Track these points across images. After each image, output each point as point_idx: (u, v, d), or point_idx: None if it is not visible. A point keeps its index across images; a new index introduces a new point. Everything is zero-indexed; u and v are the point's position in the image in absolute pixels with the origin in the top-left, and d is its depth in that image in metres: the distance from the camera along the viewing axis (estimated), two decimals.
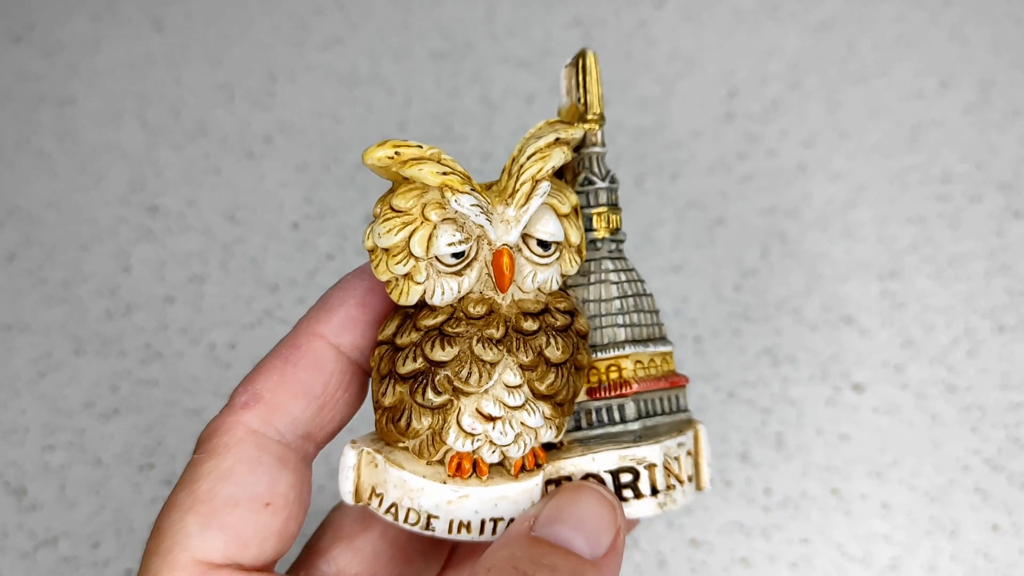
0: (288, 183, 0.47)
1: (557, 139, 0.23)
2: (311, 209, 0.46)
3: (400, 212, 0.23)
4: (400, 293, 0.23)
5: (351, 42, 0.51)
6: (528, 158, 0.23)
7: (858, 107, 0.48)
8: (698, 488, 0.25)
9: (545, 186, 0.23)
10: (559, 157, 0.23)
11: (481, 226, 0.23)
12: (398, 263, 0.23)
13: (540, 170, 0.23)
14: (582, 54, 0.25)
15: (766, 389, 0.40)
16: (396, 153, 0.22)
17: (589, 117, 0.24)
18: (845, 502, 0.38)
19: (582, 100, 0.25)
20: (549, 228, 0.23)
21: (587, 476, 0.23)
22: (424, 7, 0.52)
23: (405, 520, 0.23)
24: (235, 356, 0.42)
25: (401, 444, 0.24)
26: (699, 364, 0.41)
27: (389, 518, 0.24)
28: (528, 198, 0.23)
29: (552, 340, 0.23)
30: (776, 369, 0.41)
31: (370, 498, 0.24)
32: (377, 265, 0.23)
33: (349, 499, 0.24)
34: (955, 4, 0.51)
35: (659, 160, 0.47)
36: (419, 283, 0.23)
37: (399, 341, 0.23)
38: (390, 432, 0.24)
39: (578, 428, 0.24)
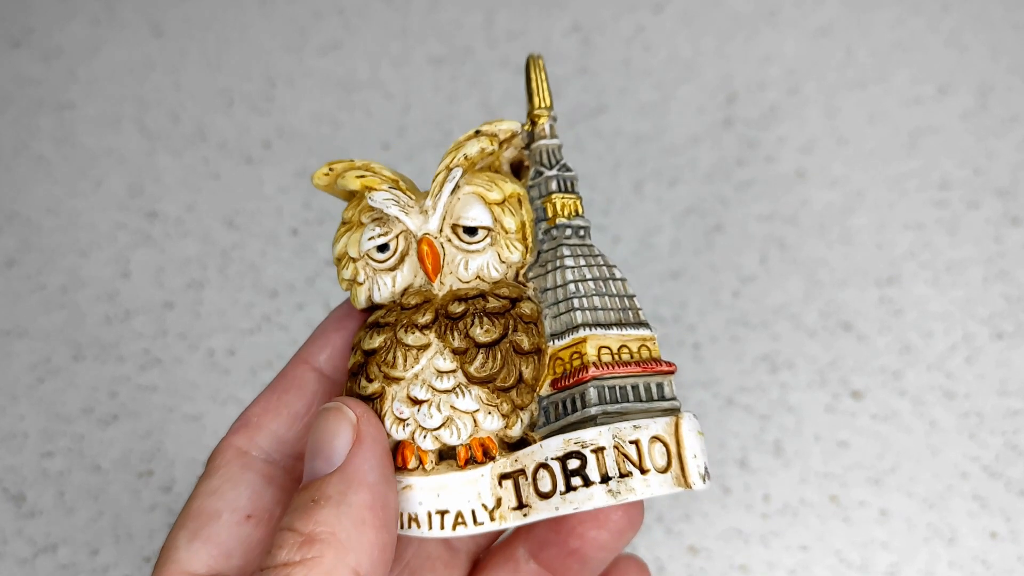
0: (287, 188, 0.47)
1: (476, 132, 0.24)
2: (310, 215, 0.46)
3: (345, 223, 0.25)
4: (352, 297, 0.25)
5: (350, 47, 0.51)
6: (447, 152, 0.24)
7: (856, 113, 0.48)
8: (684, 485, 0.23)
9: (457, 172, 0.24)
10: (475, 146, 0.24)
11: (397, 217, 0.24)
12: (344, 268, 0.25)
13: (453, 158, 0.24)
14: (527, 61, 0.26)
15: (764, 395, 0.41)
16: (330, 170, 0.24)
17: (536, 112, 0.25)
18: (843, 509, 0.38)
19: (527, 96, 0.26)
20: (472, 213, 0.24)
21: (538, 468, 0.23)
22: (423, 12, 0.52)
23: None
24: (234, 362, 0.42)
25: None
26: (697, 370, 0.41)
27: None
28: (441, 185, 0.24)
29: (478, 320, 0.23)
30: (774, 375, 0.41)
31: None
32: (338, 276, 0.25)
33: None
34: (953, 10, 0.51)
35: (657, 166, 0.47)
36: (361, 283, 0.25)
37: (353, 341, 0.25)
38: None
39: (548, 422, 0.24)
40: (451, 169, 0.24)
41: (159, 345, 0.42)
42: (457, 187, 0.24)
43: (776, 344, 0.42)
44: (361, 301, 0.25)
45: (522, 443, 0.24)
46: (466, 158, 0.24)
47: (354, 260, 0.25)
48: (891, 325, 0.42)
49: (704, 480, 0.23)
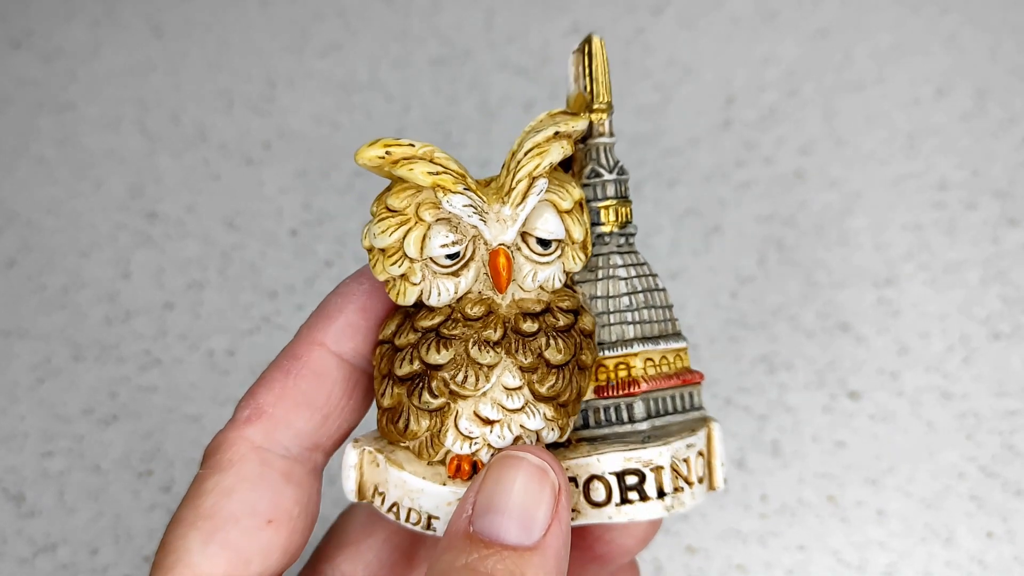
0: (287, 189, 0.47)
1: (556, 133, 0.22)
2: (310, 215, 0.46)
3: (395, 212, 0.22)
4: (398, 293, 0.23)
5: (350, 49, 0.51)
6: (525, 154, 0.22)
7: (855, 114, 0.48)
8: (711, 488, 0.24)
9: (542, 183, 0.22)
10: (558, 152, 0.22)
11: (475, 226, 0.22)
12: (393, 264, 0.23)
13: (537, 167, 0.22)
14: (588, 39, 0.24)
15: (763, 396, 0.41)
16: (387, 152, 0.22)
17: (596, 106, 0.23)
18: (841, 509, 0.38)
19: (588, 88, 0.23)
20: (549, 226, 0.22)
21: (591, 478, 0.23)
22: (423, 14, 0.52)
23: (407, 520, 0.23)
24: (234, 363, 0.42)
25: (403, 444, 0.23)
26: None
27: (391, 517, 0.24)
28: (524, 196, 0.22)
29: (552, 341, 0.22)
30: (773, 376, 0.41)
31: (373, 496, 0.24)
32: (375, 265, 0.23)
33: (352, 497, 0.24)
34: (952, 12, 0.51)
35: (657, 167, 0.47)
36: (415, 284, 0.23)
37: (398, 342, 0.23)
38: (391, 432, 0.24)
39: (585, 426, 0.24)
40: (535, 179, 0.22)
41: (159, 346, 0.43)
42: None
43: (774, 345, 0.42)
44: (410, 300, 0.23)
45: (556, 444, 0.24)
46: (550, 165, 0.22)
47: (411, 259, 0.22)
48: (889, 326, 0.42)
49: (725, 482, 0.24)
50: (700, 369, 0.41)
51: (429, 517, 0.23)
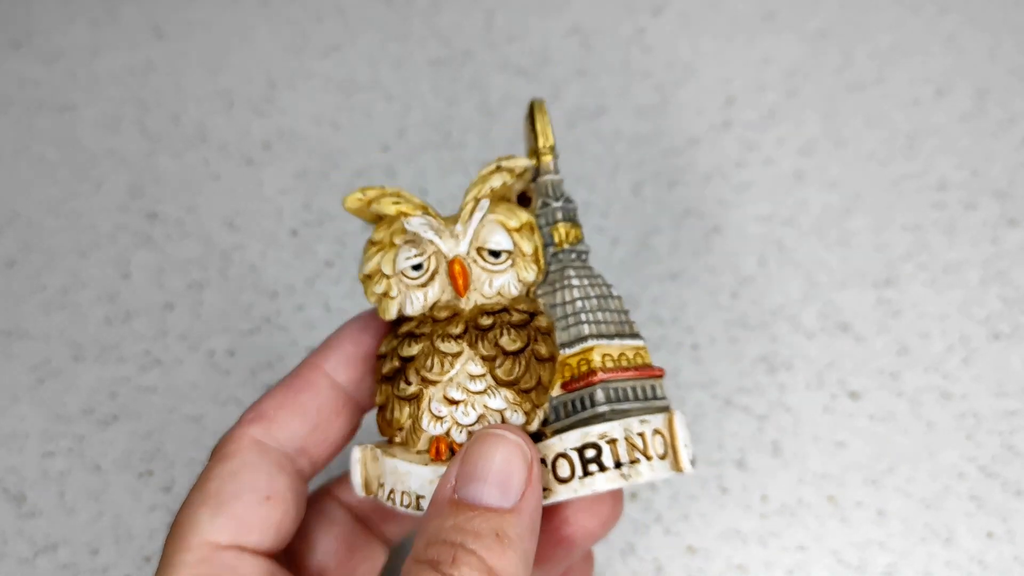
0: (287, 190, 0.47)
1: (498, 166, 0.27)
2: (310, 216, 0.46)
3: (375, 244, 0.28)
4: (383, 310, 0.28)
5: (350, 49, 0.51)
6: (472, 184, 0.27)
7: (854, 115, 0.48)
8: (677, 469, 0.26)
9: (485, 203, 0.27)
10: (499, 180, 0.27)
11: (432, 240, 0.27)
12: (376, 284, 0.28)
13: (479, 190, 0.27)
14: (531, 105, 0.29)
15: (763, 396, 0.41)
16: (363, 195, 0.27)
17: (540, 149, 0.29)
18: (841, 509, 0.38)
19: (534, 137, 0.29)
20: (495, 238, 0.27)
21: (557, 456, 0.26)
22: (423, 15, 0.52)
23: (401, 503, 0.27)
24: (234, 363, 0.42)
25: (396, 439, 0.28)
26: (696, 371, 0.41)
27: (389, 504, 0.27)
28: (471, 213, 0.27)
29: (507, 332, 0.26)
30: (773, 376, 0.41)
31: (376, 489, 0.28)
32: (366, 290, 0.28)
33: (360, 491, 0.28)
34: (951, 12, 0.51)
35: (657, 168, 0.47)
36: (394, 298, 0.28)
37: (382, 349, 0.28)
38: (383, 427, 0.28)
39: (558, 419, 0.27)
40: (479, 200, 0.27)
41: (159, 346, 0.43)
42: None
43: (774, 345, 0.42)
44: (392, 313, 0.28)
45: (537, 437, 0.27)
46: (492, 190, 0.27)
47: (387, 276, 0.28)
48: (889, 326, 0.42)
49: (692, 465, 0.27)
50: (701, 369, 0.41)
51: (417, 497, 0.26)
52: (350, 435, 0.30)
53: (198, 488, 0.27)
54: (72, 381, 0.42)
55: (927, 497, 0.38)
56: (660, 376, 0.28)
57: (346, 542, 0.31)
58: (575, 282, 0.28)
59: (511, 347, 0.26)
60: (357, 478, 0.28)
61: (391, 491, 0.27)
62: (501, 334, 0.27)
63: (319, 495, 0.32)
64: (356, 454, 0.28)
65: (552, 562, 0.29)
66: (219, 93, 0.50)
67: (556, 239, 0.28)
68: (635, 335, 0.28)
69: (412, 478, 0.26)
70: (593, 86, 0.50)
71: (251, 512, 0.27)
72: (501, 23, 0.52)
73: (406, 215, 0.27)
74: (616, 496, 0.29)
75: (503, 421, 0.27)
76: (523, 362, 0.27)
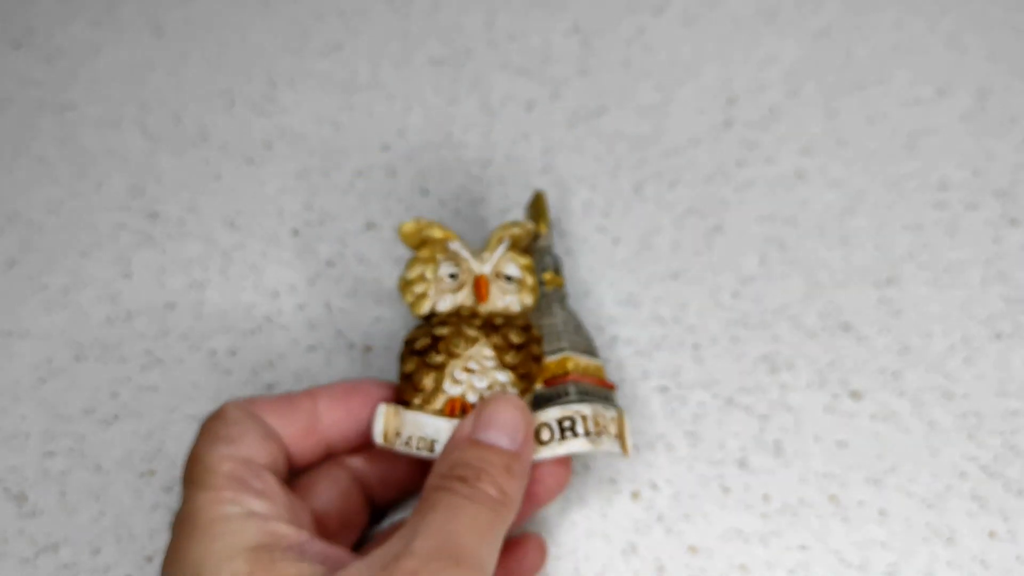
0: (288, 189, 0.47)
1: (514, 223, 0.38)
2: (311, 215, 0.46)
3: (419, 259, 0.37)
4: (419, 306, 0.36)
5: (351, 48, 0.51)
6: (498, 228, 0.38)
7: (856, 114, 0.48)
8: (624, 451, 0.35)
9: (505, 242, 0.37)
10: (517, 230, 0.38)
11: (466, 259, 0.36)
12: (416, 286, 0.36)
13: (500, 236, 0.37)
14: (535, 195, 0.42)
15: (764, 396, 0.41)
16: (417, 223, 0.37)
17: (540, 229, 0.40)
18: (843, 509, 0.38)
19: (536, 222, 0.40)
20: (510, 268, 0.37)
21: (540, 425, 0.34)
22: (423, 13, 0.52)
23: (417, 447, 0.34)
24: (235, 362, 0.42)
25: (415, 401, 0.35)
26: (697, 370, 0.41)
27: (405, 448, 0.34)
28: (495, 247, 0.37)
29: (512, 331, 0.35)
30: (774, 376, 0.41)
31: (393, 438, 0.34)
32: (404, 292, 0.37)
33: (379, 439, 0.34)
34: (952, 12, 0.51)
35: (658, 167, 0.47)
36: (429, 297, 0.36)
37: (413, 335, 0.36)
38: (407, 391, 0.35)
39: (539, 405, 0.35)
40: (502, 239, 0.37)
41: (160, 345, 0.43)
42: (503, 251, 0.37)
43: (776, 345, 0.42)
44: (425, 309, 0.36)
45: None
46: (511, 237, 0.37)
47: (427, 281, 0.36)
48: (890, 326, 0.42)
49: (635, 450, 0.38)
50: (702, 369, 0.41)
51: (432, 442, 0.34)
52: (315, 461, 0.35)
53: (207, 435, 0.31)
54: (73, 380, 0.42)
55: (929, 497, 0.38)
56: (613, 388, 0.37)
57: (345, 496, 0.35)
58: (557, 312, 0.38)
59: (516, 341, 0.35)
60: (379, 427, 0.34)
61: (408, 437, 0.34)
62: (509, 331, 0.35)
63: (326, 459, 0.36)
64: (381, 408, 0.34)
65: (521, 514, 0.35)
66: (220, 92, 0.50)
67: (545, 281, 0.39)
68: (597, 356, 0.38)
69: (429, 427, 0.34)
70: (594, 85, 0.50)
71: (259, 445, 0.32)
72: (502, 22, 0.52)
73: (450, 239, 0.37)
74: (567, 465, 0.36)
75: (505, 392, 0.35)
76: (524, 354, 0.35)
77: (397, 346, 0.42)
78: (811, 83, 0.49)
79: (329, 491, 0.35)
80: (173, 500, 0.39)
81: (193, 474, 0.31)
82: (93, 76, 0.51)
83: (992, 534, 0.37)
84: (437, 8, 0.53)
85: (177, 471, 0.39)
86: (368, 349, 0.42)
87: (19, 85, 0.50)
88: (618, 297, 0.43)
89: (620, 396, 0.41)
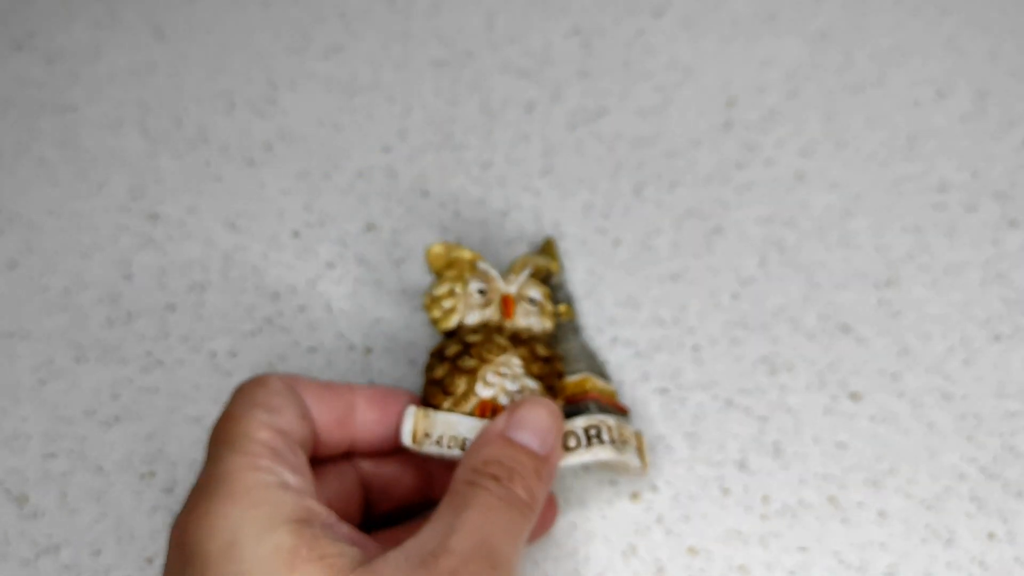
0: (288, 191, 0.47)
1: (535, 256, 0.41)
2: (311, 217, 0.46)
3: (447, 278, 0.39)
4: (445, 321, 0.38)
5: (351, 50, 0.52)
6: (522, 256, 0.41)
7: (855, 116, 0.48)
8: (643, 464, 0.36)
9: (528, 270, 0.39)
10: (540, 261, 0.41)
11: (493, 278, 0.38)
12: (444, 301, 0.38)
13: (525, 263, 0.40)
14: (546, 240, 0.44)
15: (763, 397, 0.41)
16: (444, 246, 0.40)
17: (552, 268, 0.42)
18: (842, 510, 0.38)
19: (549, 260, 0.42)
20: (533, 291, 0.39)
21: (568, 432, 0.35)
22: (424, 16, 0.53)
23: (448, 446, 0.34)
24: (236, 364, 0.42)
25: (444, 405, 0.35)
26: (697, 372, 0.41)
27: (435, 448, 0.34)
28: (520, 272, 0.39)
29: (539, 343, 0.37)
30: (774, 377, 0.41)
31: (423, 439, 0.34)
32: (431, 309, 0.38)
33: (407, 439, 0.34)
34: (952, 14, 0.52)
35: (657, 169, 0.47)
36: (457, 312, 0.38)
37: (444, 343, 0.37)
38: (437, 395, 0.36)
39: (567, 418, 0.36)
40: (527, 265, 0.39)
41: (161, 347, 0.43)
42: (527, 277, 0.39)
43: (775, 346, 0.42)
44: (452, 323, 0.38)
45: None
46: (535, 265, 0.40)
47: (456, 296, 0.38)
48: (889, 327, 0.42)
49: (649, 464, 0.39)
50: (702, 370, 0.42)
51: (464, 440, 0.34)
52: (334, 454, 0.35)
53: (246, 398, 0.31)
54: (74, 382, 0.42)
55: (928, 498, 0.38)
56: (627, 413, 0.38)
57: (348, 495, 0.35)
58: (572, 339, 0.40)
59: (543, 354, 0.37)
60: (408, 427, 0.35)
61: (440, 437, 0.34)
62: (536, 345, 0.37)
63: (338, 458, 0.36)
64: (411, 410, 0.35)
65: None
66: (220, 94, 0.50)
67: (560, 312, 0.41)
68: (611, 382, 0.40)
69: (462, 426, 0.35)
70: (594, 87, 0.50)
71: (296, 422, 0.31)
72: (502, 24, 0.52)
73: (478, 259, 0.39)
74: (554, 505, 0.37)
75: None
76: (548, 366, 0.37)
77: (397, 348, 0.42)
78: (811, 85, 0.49)
79: (335, 486, 0.34)
80: (174, 502, 0.39)
81: (227, 435, 0.30)
82: (94, 78, 0.51)
83: (991, 535, 0.37)
84: (438, 10, 0.53)
85: (178, 473, 0.40)
86: (368, 351, 0.42)
87: (20, 86, 0.51)
88: (618, 298, 0.43)
89: (619, 396, 0.41)
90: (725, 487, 0.39)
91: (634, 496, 0.39)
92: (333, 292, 0.44)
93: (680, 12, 0.52)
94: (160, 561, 0.38)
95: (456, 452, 0.34)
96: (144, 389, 0.42)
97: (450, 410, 0.35)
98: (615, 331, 0.43)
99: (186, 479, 0.39)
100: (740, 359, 0.42)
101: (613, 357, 0.42)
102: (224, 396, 0.41)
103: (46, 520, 0.39)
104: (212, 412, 0.41)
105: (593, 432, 0.35)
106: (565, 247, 0.45)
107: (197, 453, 0.40)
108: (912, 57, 0.50)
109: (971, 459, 0.39)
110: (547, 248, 0.44)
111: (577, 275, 0.44)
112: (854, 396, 0.41)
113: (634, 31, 0.52)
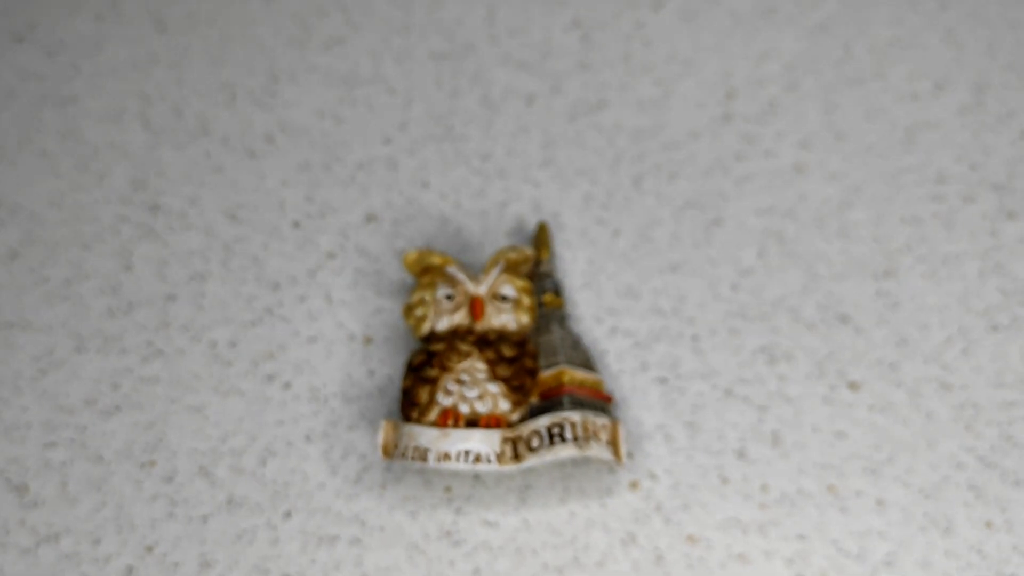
0: (289, 182, 0.47)
1: (512, 248, 0.41)
2: (312, 208, 0.46)
3: (421, 285, 0.40)
4: (419, 328, 0.39)
5: (352, 42, 0.52)
6: (495, 253, 0.41)
7: (854, 109, 0.48)
8: (616, 457, 0.37)
9: (500, 266, 0.40)
10: (512, 254, 0.40)
11: (461, 282, 0.39)
12: (417, 309, 0.40)
13: (496, 259, 0.40)
14: (539, 226, 0.44)
15: (763, 387, 0.41)
16: (419, 252, 0.40)
17: (541, 256, 0.43)
18: (841, 499, 0.38)
19: (539, 250, 0.43)
20: (505, 288, 0.39)
21: (532, 432, 0.36)
22: (425, 8, 0.53)
23: (412, 457, 0.36)
24: (236, 354, 0.42)
25: (413, 415, 0.37)
26: (697, 362, 0.42)
27: (401, 460, 0.36)
28: (490, 270, 0.40)
29: (505, 345, 0.38)
30: (773, 367, 0.41)
31: (392, 451, 0.37)
32: (407, 316, 0.40)
33: (380, 452, 0.37)
34: (950, 7, 0.52)
35: (657, 161, 0.47)
36: (428, 319, 0.39)
37: (414, 352, 0.39)
38: (407, 407, 0.37)
39: (533, 416, 0.38)
40: (498, 262, 0.40)
41: (161, 337, 0.43)
42: (499, 273, 0.40)
43: (774, 336, 0.42)
44: (425, 330, 0.39)
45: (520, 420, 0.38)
46: (507, 260, 0.40)
47: (427, 304, 0.39)
48: (888, 318, 0.42)
49: (629, 457, 0.39)
50: (702, 360, 0.42)
51: (424, 450, 0.36)
52: None
53: None
54: (74, 372, 0.42)
55: (926, 487, 0.38)
56: (609, 400, 0.39)
57: None
58: (556, 330, 0.40)
59: (508, 354, 0.38)
60: (379, 441, 0.37)
61: (405, 447, 0.36)
62: (502, 346, 0.38)
63: None
64: (382, 423, 0.37)
65: None
66: (221, 86, 0.50)
67: (546, 302, 0.41)
68: (595, 371, 0.39)
69: (423, 437, 0.36)
70: (594, 79, 0.50)
71: None
72: (502, 17, 0.52)
73: (447, 263, 0.40)
74: None
75: (494, 403, 0.37)
76: (516, 367, 0.38)
77: (397, 337, 0.42)
78: (810, 77, 0.49)
79: None
80: (173, 490, 0.39)
81: None
82: (95, 70, 0.51)
83: (989, 524, 0.37)
84: (438, 3, 0.53)
85: (178, 462, 0.40)
86: (368, 340, 0.43)
87: (21, 79, 0.51)
88: (618, 289, 0.44)
89: (619, 388, 0.41)
90: (724, 476, 0.39)
91: (633, 485, 0.39)
92: (333, 282, 0.44)
93: (679, 5, 0.52)
94: (159, 550, 0.38)
95: (419, 463, 0.36)
96: (144, 379, 0.42)
97: (416, 420, 0.37)
98: (615, 321, 0.43)
99: (185, 468, 0.40)
100: (739, 349, 0.42)
101: (613, 347, 0.42)
102: (224, 386, 0.41)
103: (46, 509, 0.39)
104: (212, 401, 0.41)
105: (556, 431, 0.36)
106: (565, 238, 0.45)
107: (197, 442, 0.40)
108: (911, 50, 0.50)
109: (969, 448, 0.39)
110: (540, 235, 0.44)
111: (577, 265, 0.44)
112: (853, 386, 0.41)
113: (634, 24, 0.52)
